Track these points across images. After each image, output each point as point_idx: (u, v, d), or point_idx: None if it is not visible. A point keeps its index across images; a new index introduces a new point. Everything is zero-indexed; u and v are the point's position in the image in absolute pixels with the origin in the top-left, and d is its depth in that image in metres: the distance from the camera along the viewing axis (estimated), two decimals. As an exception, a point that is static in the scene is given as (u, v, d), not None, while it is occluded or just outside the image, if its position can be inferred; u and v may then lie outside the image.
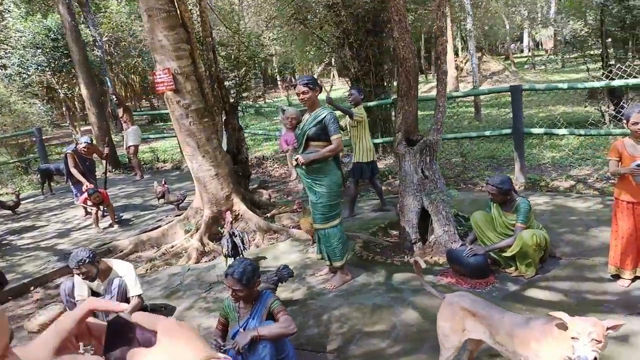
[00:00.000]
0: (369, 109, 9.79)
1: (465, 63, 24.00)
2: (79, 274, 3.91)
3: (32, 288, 5.40)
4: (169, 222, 6.57)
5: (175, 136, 12.42)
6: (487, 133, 7.87)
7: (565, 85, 6.78)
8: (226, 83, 6.80)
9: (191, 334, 0.69)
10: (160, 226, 6.76)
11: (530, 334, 2.26)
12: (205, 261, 5.56)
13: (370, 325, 3.66)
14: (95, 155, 7.95)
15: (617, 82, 6.42)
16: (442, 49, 5.09)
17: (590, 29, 10.08)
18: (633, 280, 3.73)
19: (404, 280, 4.32)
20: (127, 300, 4.07)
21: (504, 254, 4.16)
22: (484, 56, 25.41)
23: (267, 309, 3.11)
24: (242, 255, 4.68)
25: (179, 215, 7.16)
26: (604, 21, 9.49)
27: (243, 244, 4.71)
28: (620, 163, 3.63)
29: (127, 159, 12.37)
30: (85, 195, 7.01)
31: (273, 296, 3.18)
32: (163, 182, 7.98)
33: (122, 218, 7.47)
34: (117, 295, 4.01)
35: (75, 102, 23.03)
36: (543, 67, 27.65)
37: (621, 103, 9.59)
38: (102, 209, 7.45)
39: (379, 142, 9.74)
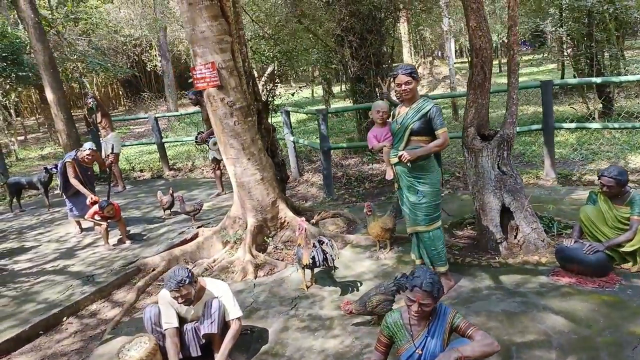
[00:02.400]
0: (367, 110, 9.57)
1: (418, 67, 24.47)
2: (178, 297, 3.29)
3: (64, 319, 4.61)
4: (203, 235, 5.92)
5: (153, 142, 11.60)
6: (517, 130, 7.83)
7: (599, 80, 6.86)
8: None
9: None
10: (186, 239, 6.10)
11: None
12: (265, 274, 5.01)
13: (519, 335, 3.34)
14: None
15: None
16: (514, 39, 4.91)
17: (573, 30, 10.40)
18: None
19: (517, 282, 4.05)
20: (226, 325, 3.51)
21: (622, 249, 3.99)
22: (434, 60, 26.06)
23: (449, 324, 2.71)
24: (330, 266, 4.21)
25: (201, 226, 6.53)
26: (592, 23, 9.82)
27: (333, 252, 4.23)
28: None
29: (98, 170, 11.32)
30: (95, 208, 6.18)
31: (452, 309, 2.78)
32: (171, 192, 7.28)
33: (130, 233, 6.68)
34: (218, 319, 3.44)
35: (11, 110, 21.13)
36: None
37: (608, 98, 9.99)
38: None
39: (340, 147, 9.50)
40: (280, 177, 5.98)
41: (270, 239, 5.62)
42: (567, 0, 10.02)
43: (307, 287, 4.46)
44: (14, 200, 8.91)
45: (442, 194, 5.13)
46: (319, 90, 22.60)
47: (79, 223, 7.11)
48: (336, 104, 20.42)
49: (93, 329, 4.45)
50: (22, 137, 21.76)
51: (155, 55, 30.20)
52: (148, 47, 30.49)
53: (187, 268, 3.39)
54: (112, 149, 8.46)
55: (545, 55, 15.30)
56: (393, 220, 5.09)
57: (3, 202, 9.96)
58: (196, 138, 8.06)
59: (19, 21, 18.48)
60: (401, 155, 3.86)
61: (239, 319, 3.52)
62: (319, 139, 7.52)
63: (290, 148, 8.89)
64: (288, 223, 5.65)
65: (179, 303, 3.36)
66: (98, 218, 6.26)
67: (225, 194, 8.24)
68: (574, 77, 11.42)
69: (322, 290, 4.43)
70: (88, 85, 11.91)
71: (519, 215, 4.67)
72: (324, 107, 8.32)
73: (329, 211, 6.31)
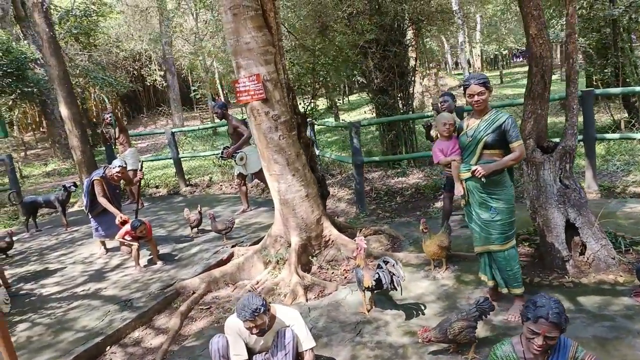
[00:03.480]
0: (392, 123, 9.38)
1: (423, 79, 24.41)
2: (252, 328, 3.03)
3: (107, 348, 4.32)
4: (243, 255, 5.64)
5: (162, 158, 11.34)
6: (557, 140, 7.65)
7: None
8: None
9: None
10: (223, 259, 5.83)
11: None
12: (315, 297, 4.74)
13: (621, 363, 3.09)
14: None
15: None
16: (573, 47, 4.72)
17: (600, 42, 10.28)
18: None
19: (598, 304, 3.80)
20: (299, 356, 3.24)
21: None
22: (439, 72, 25.99)
23: (572, 359, 2.45)
24: (396, 288, 3.95)
25: (235, 245, 6.26)
26: (616, 32, 9.70)
27: (400, 273, 3.96)
28: None
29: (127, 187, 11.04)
30: (127, 228, 5.91)
31: (573, 342, 2.52)
32: (199, 209, 7.00)
33: (159, 253, 6.38)
34: (292, 350, 3.17)
35: (14, 126, 20.83)
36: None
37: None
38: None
39: (407, 158, 9.30)
40: (321, 194, 5.73)
41: (314, 258, 5.36)
42: (587, 11, 9.94)
43: (368, 311, 4.20)
44: (30, 219, 8.61)
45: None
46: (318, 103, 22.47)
47: (103, 243, 6.84)
48: (343, 116, 20.26)
49: (140, 359, 4.17)
50: (22, 154, 21.43)
51: (155, 70, 30.12)
52: (147, 62, 30.41)
53: (260, 295, 3.13)
54: (129, 165, 8.21)
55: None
56: (448, 237, 4.85)
57: (17, 222, 9.66)
58: (222, 153, 7.81)
59: (20, 37, 18.42)
60: (474, 170, 3.63)
61: (312, 349, 3.26)
62: (352, 152, 7.30)
63: (314, 162, 8.65)
64: (333, 241, 5.40)
65: (252, 333, 3.09)
66: (129, 238, 5.98)
67: (251, 210, 7.99)
68: (588, 87, 11.27)
69: (383, 314, 4.16)
70: (107, 101, 11.61)
71: (586, 232, 4.44)
72: (356, 120, 8.07)
73: (370, 228, 6.07)
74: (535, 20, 4.48)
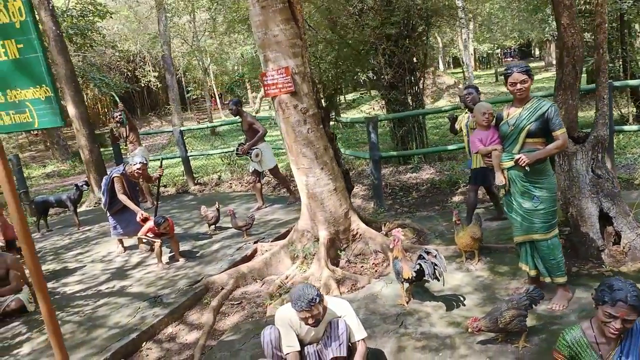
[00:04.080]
0: (403, 119, 9.37)
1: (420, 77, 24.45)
2: (308, 318, 2.99)
3: (142, 344, 4.26)
4: (269, 250, 5.61)
5: (178, 156, 11.25)
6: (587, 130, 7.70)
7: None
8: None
9: None
10: (247, 255, 5.78)
11: None
12: (348, 290, 4.71)
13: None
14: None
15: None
16: (603, 37, 4.73)
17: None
18: None
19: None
20: (351, 346, 3.20)
21: None
22: (437, 71, 26.08)
23: (645, 340, 2.45)
24: (438, 279, 3.93)
25: (257, 241, 6.22)
26: (624, 26, 9.76)
27: (443, 264, 3.94)
28: None
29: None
30: (150, 225, 5.85)
31: (645, 326, 2.51)
32: (217, 206, 6.95)
33: (180, 250, 6.33)
34: (346, 341, 3.14)
35: None
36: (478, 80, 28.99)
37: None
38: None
39: (418, 153, 9.31)
40: (346, 187, 5.70)
41: (342, 252, 5.34)
42: (591, 6, 9.97)
43: (407, 302, 4.17)
44: (41, 220, 8.51)
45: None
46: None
47: (121, 241, 6.76)
48: (342, 115, 20.24)
49: (178, 355, 4.12)
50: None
51: (149, 71, 29.93)
52: (142, 63, 30.21)
53: (314, 285, 3.10)
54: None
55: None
56: (480, 228, 4.84)
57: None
58: (237, 149, 7.76)
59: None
60: (518, 159, 3.62)
61: (364, 340, 3.23)
62: (369, 147, 7.28)
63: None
64: (360, 235, 5.37)
65: (307, 324, 3.06)
66: (151, 235, 5.92)
67: (266, 207, 7.93)
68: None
69: (423, 305, 4.14)
70: (117, 99, 11.51)
71: (620, 221, 4.44)
72: (374, 115, 8.05)
73: (394, 222, 6.04)
74: (568, 10, 4.48)
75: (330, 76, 6.32)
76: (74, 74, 10.01)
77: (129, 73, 27.81)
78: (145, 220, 6.08)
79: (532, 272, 3.95)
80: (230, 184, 10.27)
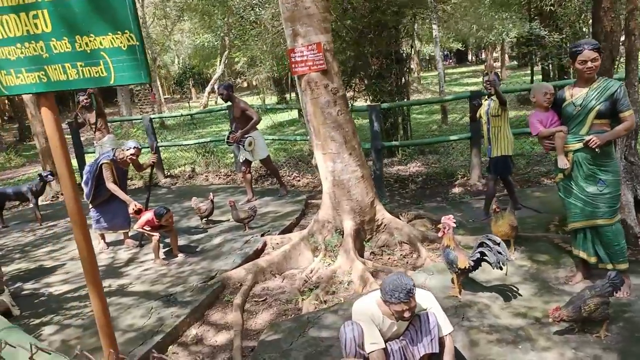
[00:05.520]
0: (388, 110, 9.18)
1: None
2: (405, 311, 2.66)
3: (168, 348, 3.75)
4: (290, 242, 5.19)
5: (146, 146, 10.45)
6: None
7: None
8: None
9: None
10: (258, 249, 5.34)
11: None
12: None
13: None
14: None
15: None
16: (635, 24, 4.70)
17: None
18: None
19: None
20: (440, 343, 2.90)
21: None
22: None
23: None
24: (501, 268, 3.70)
25: (264, 234, 5.78)
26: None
27: (507, 254, 3.71)
28: None
29: (80, 178, 10.01)
30: (148, 217, 5.27)
31: None
32: (210, 198, 6.42)
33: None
34: (437, 336, 2.84)
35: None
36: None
37: None
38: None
39: (420, 143, 9.19)
40: (365, 176, 5.39)
41: (367, 243, 5.03)
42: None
43: (460, 294, 3.93)
44: (-3, 214, 7.59)
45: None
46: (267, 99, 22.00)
47: (103, 237, 6.08)
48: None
49: (210, 358, 3.64)
50: None
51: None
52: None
53: (404, 273, 2.77)
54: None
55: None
56: (515, 217, 4.69)
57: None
58: (227, 138, 7.24)
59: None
60: (589, 140, 3.47)
61: (450, 334, 2.94)
62: (371, 137, 7.01)
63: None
64: (385, 226, 5.08)
65: (402, 318, 2.72)
66: (148, 228, 5.34)
67: (256, 199, 7.47)
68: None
69: (477, 296, 3.91)
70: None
71: (658, 207, 4.43)
72: (376, 103, 7.76)
73: (408, 213, 5.81)
74: (608, -6, 4.41)
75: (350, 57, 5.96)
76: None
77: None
78: (138, 212, 5.48)
79: (593, 259, 3.81)
80: (206, 176, 9.67)
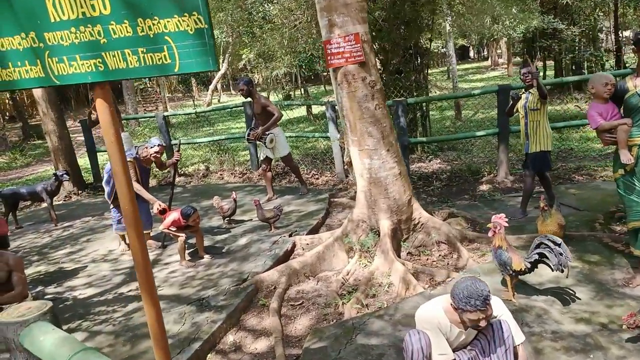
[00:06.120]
0: (410, 105, 8.95)
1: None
2: (481, 320, 2.45)
3: (207, 356, 3.54)
4: (323, 243, 4.98)
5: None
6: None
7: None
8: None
9: None
10: (288, 250, 5.13)
11: None
12: (429, 286, 4.20)
13: None
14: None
15: None
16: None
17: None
18: None
19: None
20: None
21: None
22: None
23: None
24: (562, 270, 3.48)
25: (291, 234, 5.58)
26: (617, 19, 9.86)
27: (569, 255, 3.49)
28: None
29: (93, 177, 9.82)
30: (174, 217, 5.06)
31: None
32: (233, 196, 6.21)
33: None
34: (512, 345, 2.63)
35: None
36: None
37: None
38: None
39: (446, 139, 8.99)
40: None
41: (404, 243, 4.82)
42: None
43: (513, 297, 3.72)
44: (10, 214, 7.37)
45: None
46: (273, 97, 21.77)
47: (123, 238, 5.87)
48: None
49: (254, 368, 3.44)
50: None
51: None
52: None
53: (477, 278, 2.56)
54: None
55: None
56: (562, 215, 4.48)
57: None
58: (248, 134, 7.02)
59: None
60: (658, 133, 3.26)
61: (523, 344, 2.73)
62: (397, 133, 6.77)
63: (335, 146, 8.06)
64: (422, 225, 4.87)
65: (477, 327, 2.51)
66: (174, 229, 5.13)
67: (276, 198, 7.25)
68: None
69: (531, 300, 3.70)
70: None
71: None
72: (402, 99, 7.54)
73: (441, 211, 5.60)
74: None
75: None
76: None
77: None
78: (163, 212, 5.28)
79: (656, 260, 3.61)
80: (221, 174, 9.45)
